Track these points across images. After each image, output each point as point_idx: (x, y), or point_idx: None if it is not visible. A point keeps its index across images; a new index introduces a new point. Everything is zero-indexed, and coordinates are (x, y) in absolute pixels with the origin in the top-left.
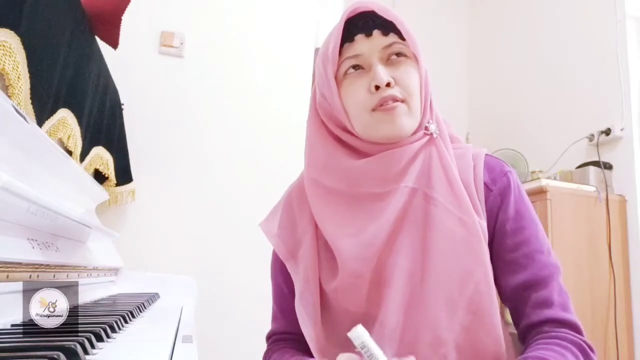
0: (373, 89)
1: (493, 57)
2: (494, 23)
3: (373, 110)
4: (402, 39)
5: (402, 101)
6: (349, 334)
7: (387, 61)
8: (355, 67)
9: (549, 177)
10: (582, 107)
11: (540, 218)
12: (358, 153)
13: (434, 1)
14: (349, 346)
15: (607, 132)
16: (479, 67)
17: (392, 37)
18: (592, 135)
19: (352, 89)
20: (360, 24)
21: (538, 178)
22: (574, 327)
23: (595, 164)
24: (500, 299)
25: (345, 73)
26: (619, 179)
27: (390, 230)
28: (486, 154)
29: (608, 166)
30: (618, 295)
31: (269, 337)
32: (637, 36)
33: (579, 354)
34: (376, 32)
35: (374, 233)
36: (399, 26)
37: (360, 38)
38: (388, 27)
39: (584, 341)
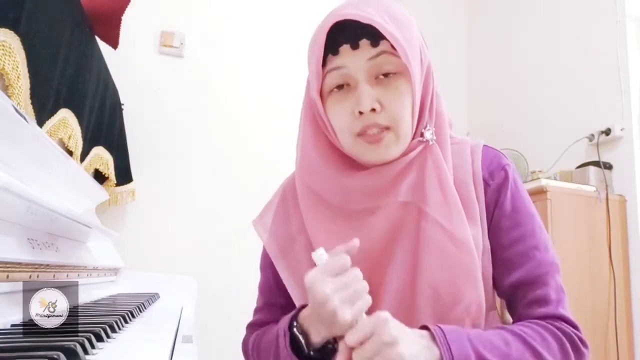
0: (357, 113)
1: (493, 57)
2: (493, 23)
3: (358, 135)
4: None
5: (387, 128)
6: (313, 254)
7: (375, 79)
8: (340, 86)
9: (549, 177)
10: (582, 107)
11: (540, 218)
12: (352, 161)
13: (433, 1)
14: None
15: (607, 132)
16: (479, 66)
17: (383, 46)
18: (592, 135)
19: (337, 109)
20: (346, 32)
21: (538, 178)
22: (569, 322)
23: (595, 164)
24: (497, 294)
25: (331, 91)
26: (619, 179)
27: (381, 247)
28: (484, 145)
29: (608, 166)
30: (618, 295)
31: (250, 326)
32: (637, 36)
33: (565, 341)
34: (364, 42)
35: (363, 250)
36: (387, 36)
37: (345, 50)
38: (378, 34)
39: (577, 335)
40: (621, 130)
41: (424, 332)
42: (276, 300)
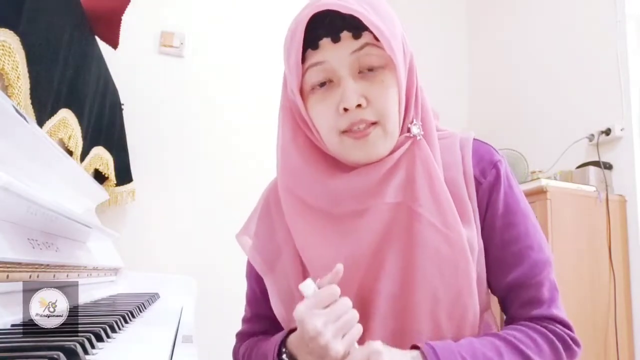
0: (341, 110)
1: (493, 57)
2: (493, 23)
3: (343, 132)
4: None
5: (375, 123)
6: (300, 286)
7: (359, 73)
8: (322, 84)
9: (549, 177)
10: (582, 107)
11: (540, 218)
12: (336, 162)
13: (433, 1)
14: None
15: (607, 132)
16: (479, 67)
17: (365, 38)
18: (592, 135)
19: (319, 108)
20: (326, 24)
21: (538, 178)
22: (560, 322)
23: (595, 164)
24: (492, 293)
25: (312, 88)
26: (619, 179)
27: (372, 252)
28: (474, 139)
29: (608, 166)
30: (618, 295)
31: (239, 335)
32: (637, 36)
33: (557, 343)
34: (345, 35)
35: (354, 256)
36: (370, 27)
37: (325, 44)
38: (360, 25)
39: (569, 335)
40: (621, 130)
41: (416, 352)
42: (264, 312)
